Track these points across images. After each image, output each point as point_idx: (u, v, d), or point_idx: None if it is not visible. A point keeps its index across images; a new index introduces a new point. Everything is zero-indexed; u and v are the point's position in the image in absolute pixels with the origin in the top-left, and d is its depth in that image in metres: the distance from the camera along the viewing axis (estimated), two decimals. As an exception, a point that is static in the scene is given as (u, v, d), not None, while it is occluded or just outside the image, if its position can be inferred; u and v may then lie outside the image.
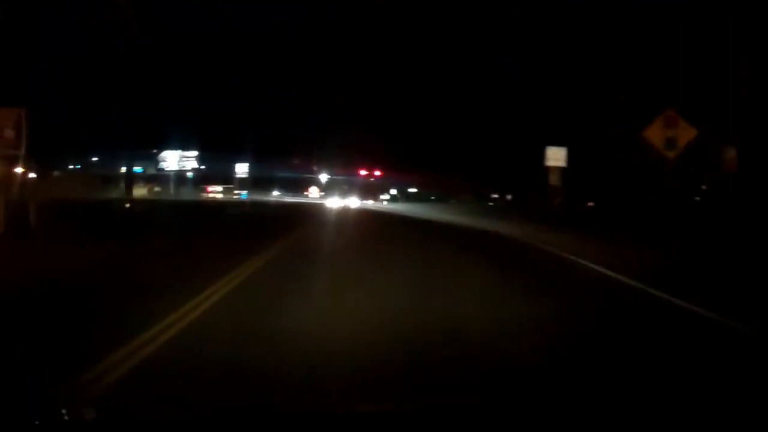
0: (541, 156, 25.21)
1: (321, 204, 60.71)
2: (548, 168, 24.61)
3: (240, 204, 53.64)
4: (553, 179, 24.48)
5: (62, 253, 11.39)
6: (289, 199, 75.64)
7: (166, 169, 75.36)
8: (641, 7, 33.93)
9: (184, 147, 72.60)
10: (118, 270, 9.65)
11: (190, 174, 74.44)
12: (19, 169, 15.27)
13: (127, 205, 26.19)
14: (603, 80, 34.37)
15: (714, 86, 27.01)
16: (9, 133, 14.05)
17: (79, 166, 62.35)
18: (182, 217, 26.49)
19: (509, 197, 63.06)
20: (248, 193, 75.19)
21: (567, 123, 32.40)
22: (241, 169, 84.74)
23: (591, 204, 35.87)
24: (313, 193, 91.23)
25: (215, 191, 79.91)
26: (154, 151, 72.09)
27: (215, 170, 77.33)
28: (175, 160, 74.09)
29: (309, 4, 64.43)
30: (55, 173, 54.94)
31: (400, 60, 52.93)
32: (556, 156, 24.75)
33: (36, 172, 24.86)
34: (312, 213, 37.60)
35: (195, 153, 74.12)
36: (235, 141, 75.98)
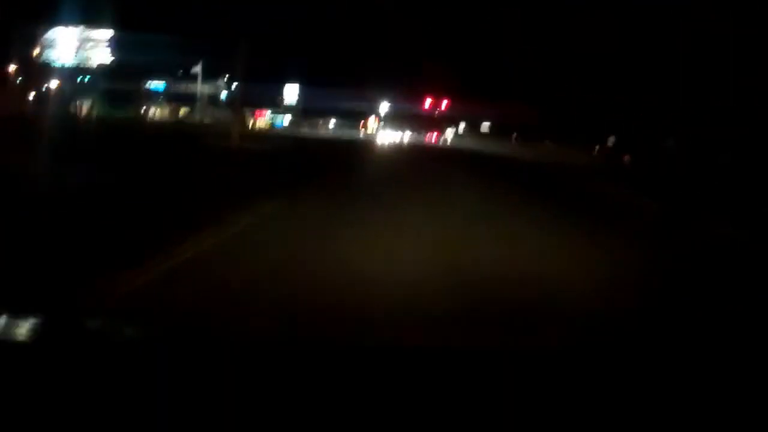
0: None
1: (371, 142, 48.80)
2: None
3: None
4: None
5: None
6: (340, 132, 64.19)
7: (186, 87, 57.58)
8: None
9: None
10: None
11: (224, 94, 63.26)
12: None
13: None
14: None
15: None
16: None
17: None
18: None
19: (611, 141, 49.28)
20: (286, 121, 63.76)
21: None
22: (291, 93, 73.31)
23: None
24: (372, 125, 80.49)
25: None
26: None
27: (260, 92, 65.76)
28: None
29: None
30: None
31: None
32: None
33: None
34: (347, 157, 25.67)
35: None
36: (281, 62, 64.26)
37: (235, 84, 55.57)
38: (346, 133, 63.36)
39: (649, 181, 18.34)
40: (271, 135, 46.54)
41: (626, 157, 36.24)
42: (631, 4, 39.36)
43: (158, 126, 44.24)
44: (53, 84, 49.51)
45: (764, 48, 26.91)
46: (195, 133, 33.41)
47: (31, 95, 46.99)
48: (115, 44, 42.44)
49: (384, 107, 79.11)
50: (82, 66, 43.38)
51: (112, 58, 43.52)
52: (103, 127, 34.83)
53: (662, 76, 35.93)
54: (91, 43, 42.53)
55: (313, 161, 20.28)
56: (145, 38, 42.12)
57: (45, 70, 45.77)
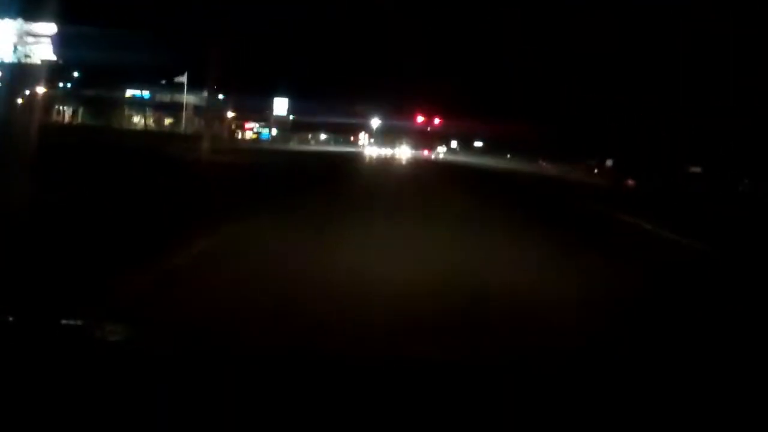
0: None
1: (361, 157, 46.59)
2: None
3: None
4: None
5: None
6: (329, 146, 61.87)
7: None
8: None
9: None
10: None
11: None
12: None
13: None
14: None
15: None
16: None
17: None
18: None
19: (608, 162, 47.77)
20: (272, 135, 61.28)
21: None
22: (280, 106, 70.88)
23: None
24: (363, 140, 78.78)
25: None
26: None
27: (249, 104, 63.08)
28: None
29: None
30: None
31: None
32: None
33: None
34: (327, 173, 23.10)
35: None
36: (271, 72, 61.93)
37: (212, 94, 52.93)
38: (336, 148, 60.84)
39: (677, 213, 15.84)
40: (252, 148, 44.01)
41: (630, 182, 33.85)
42: (631, 8, 38.33)
43: (133, 135, 41.82)
44: (38, 89, 46.79)
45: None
46: (167, 143, 30.99)
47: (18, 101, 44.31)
48: (60, 40, 37.45)
49: (376, 122, 77.07)
50: (22, 62, 37.87)
51: (55, 56, 38.83)
52: (76, 135, 32.47)
53: (667, 91, 34.88)
54: (32, 39, 37.74)
55: (285, 178, 17.73)
56: (92, 35, 38.50)
57: (28, 72, 42.36)
